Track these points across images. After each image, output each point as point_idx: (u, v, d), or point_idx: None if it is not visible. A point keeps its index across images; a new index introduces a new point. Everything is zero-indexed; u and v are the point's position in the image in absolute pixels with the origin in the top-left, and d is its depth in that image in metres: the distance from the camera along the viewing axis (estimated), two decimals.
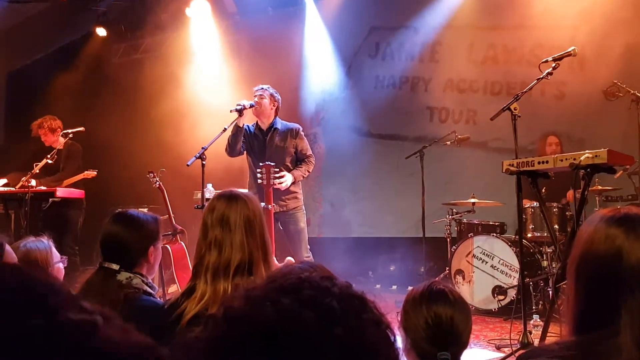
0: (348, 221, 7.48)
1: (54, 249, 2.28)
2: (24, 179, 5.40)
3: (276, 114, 4.74)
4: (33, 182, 5.61)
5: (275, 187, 4.15)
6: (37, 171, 5.56)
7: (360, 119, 7.39)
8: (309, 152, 4.78)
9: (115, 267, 1.92)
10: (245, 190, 5.24)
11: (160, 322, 1.68)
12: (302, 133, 4.80)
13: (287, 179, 4.45)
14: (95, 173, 5.76)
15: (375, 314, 0.69)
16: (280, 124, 4.72)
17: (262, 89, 4.70)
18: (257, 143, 4.70)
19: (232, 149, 4.65)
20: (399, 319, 1.58)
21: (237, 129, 4.58)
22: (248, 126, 4.74)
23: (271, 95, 4.69)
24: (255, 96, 4.66)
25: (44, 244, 2.26)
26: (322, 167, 7.47)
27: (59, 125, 6.00)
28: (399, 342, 0.72)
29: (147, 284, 1.97)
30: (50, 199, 5.37)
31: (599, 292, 1.11)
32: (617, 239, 1.11)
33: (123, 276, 1.94)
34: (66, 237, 5.46)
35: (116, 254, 1.94)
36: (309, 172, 4.76)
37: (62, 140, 5.93)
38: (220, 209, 1.87)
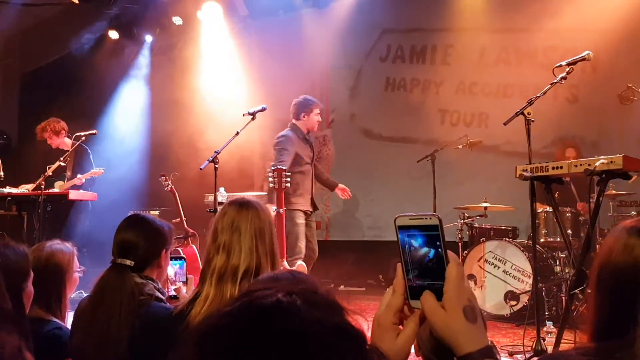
0: (358, 224, 7.46)
1: (76, 257, 2.30)
2: (37, 181, 5.44)
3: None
4: (57, 188, 5.65)
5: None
6: (50, 173, 5.59)
7: (371, 121, 7.37)
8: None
9: (129, 263, 1.94)
10: (255, 193, 5.29)
11: (171, 329, 1.69)
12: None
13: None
14: (103, 171, 5.74)
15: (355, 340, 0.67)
16: None
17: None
18: (308, 148, 5.11)
19: None
20: None
21: None
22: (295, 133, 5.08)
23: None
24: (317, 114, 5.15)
25: (69, 248, 2.29)
26: (331, 170, 7.46)
27: (62, 127, 6.00)
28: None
29: (158, 290, 1.98)
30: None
31: (617, 301, 1.11)
32: (636, 249, 1.10)
33: (137, 280, 1.96)
34: (72, 239, 5.49)
35: (130, 255, 1.97)
36: None
37: (68, 141, 5.95)
38: (231, 215, 1.90)
